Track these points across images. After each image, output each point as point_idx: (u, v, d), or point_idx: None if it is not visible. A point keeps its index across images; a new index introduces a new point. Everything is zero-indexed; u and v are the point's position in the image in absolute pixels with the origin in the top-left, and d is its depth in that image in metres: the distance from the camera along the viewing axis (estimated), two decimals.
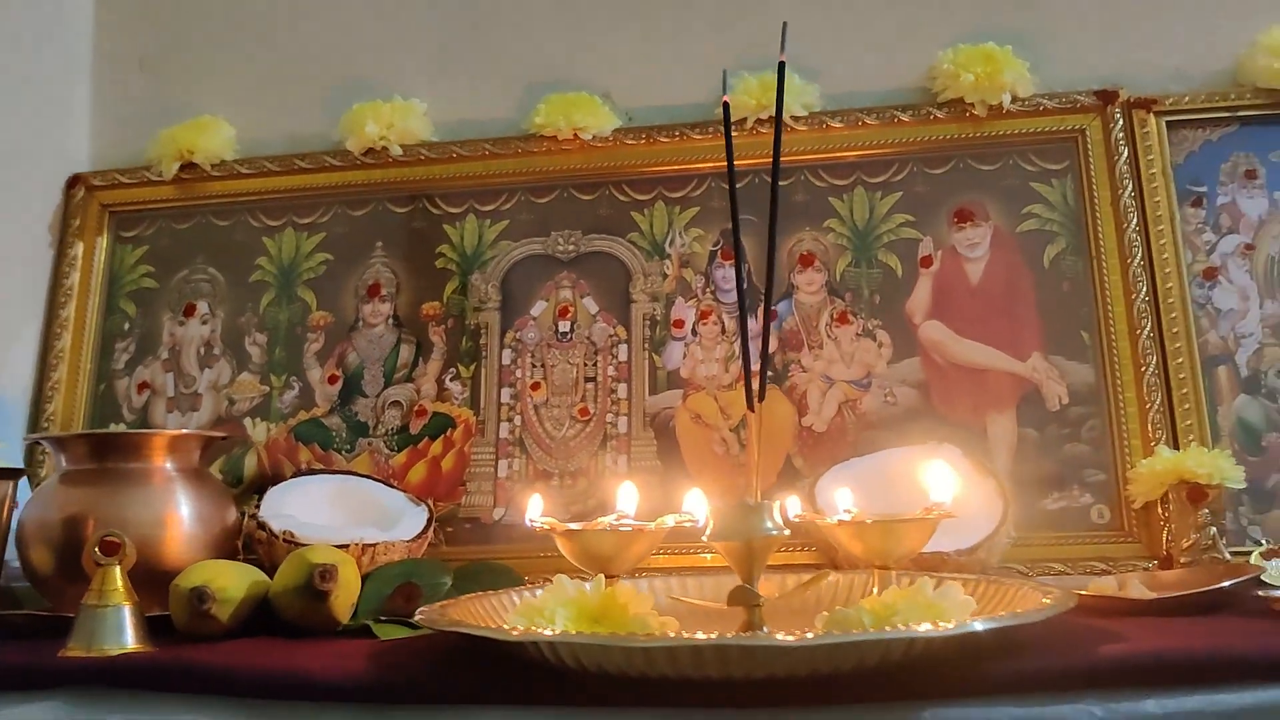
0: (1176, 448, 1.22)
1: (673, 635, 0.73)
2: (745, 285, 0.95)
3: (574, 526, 0.89)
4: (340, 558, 1.04)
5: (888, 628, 0.73)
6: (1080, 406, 1.27)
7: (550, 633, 0.75)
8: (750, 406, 0.85)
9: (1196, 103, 1.34)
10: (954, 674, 0.72)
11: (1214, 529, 1.15)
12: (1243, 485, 1.17)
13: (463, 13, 1.54)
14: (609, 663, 0.71)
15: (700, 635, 0.67)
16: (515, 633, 0.72)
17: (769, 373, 1.33)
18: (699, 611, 0.87)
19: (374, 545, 1.18)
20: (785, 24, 0.93)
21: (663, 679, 0.71)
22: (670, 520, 0.89)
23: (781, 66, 0.93)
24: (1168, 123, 1.34)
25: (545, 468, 1.34)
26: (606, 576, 0.87)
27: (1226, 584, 0.98)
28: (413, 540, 1.22)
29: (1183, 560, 1.15)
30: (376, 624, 1.02)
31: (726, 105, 0.97)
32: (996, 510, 1.14)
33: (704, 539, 0.82)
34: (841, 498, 0.94)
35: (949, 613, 0.76)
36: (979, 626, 0.69)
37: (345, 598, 1.04)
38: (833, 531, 0.87)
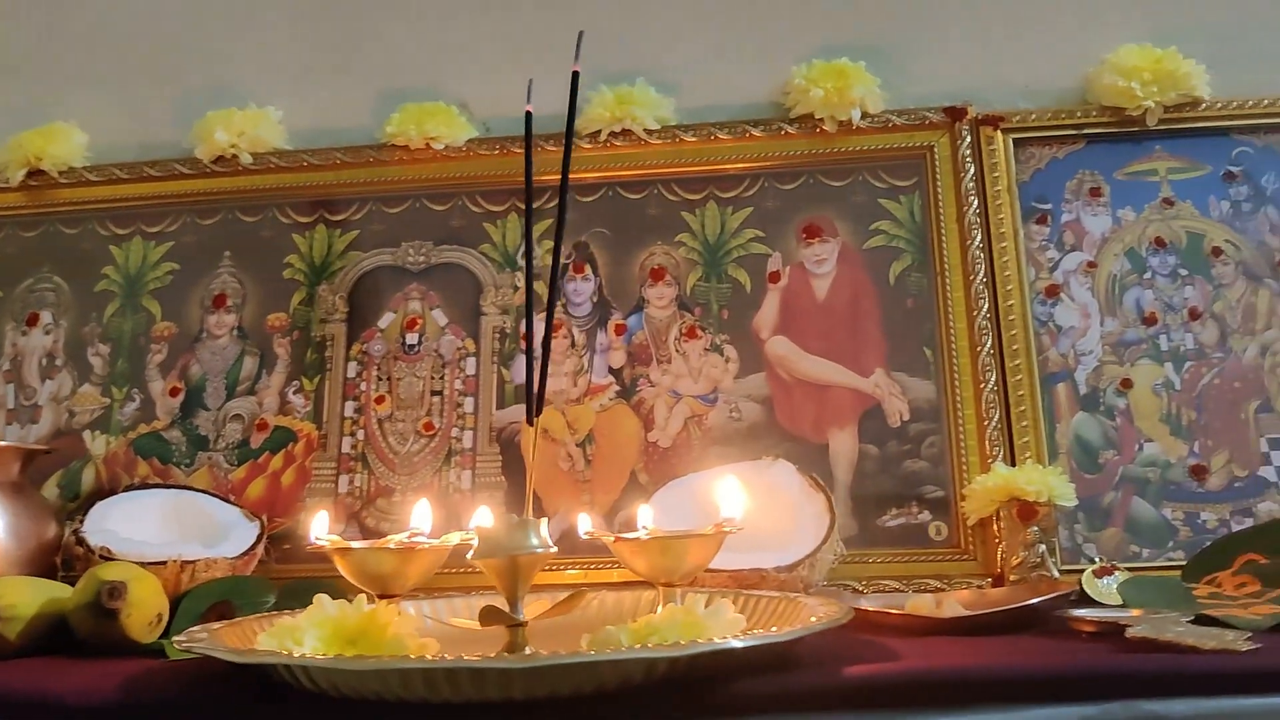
0: (1014, 465, 1.21)
1: (403, 657, 0.71)
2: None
3: (355, 545, 0.86)
4: (134, 574, 1.01)
5: (638, 646, 0.71)
6: (921, 423, 1.26)
7: (299, 654, 0.72)
8: (529, 420, 0.82)
9: (1044, 120, 1.35)
10: (713, 692, 0.71)
11: (1043, 546, 1.15)
12: (1074, 503, 1.17)
13: (323, 21, 1.52)
14: (345, 685, 0.69)
15: (425, 658, 0.64)
16: (249, 654, 0.69)
17: (617, 387, 1.32)
18: (472, 634, 0.84)
19: (194, 562, 1.14)
20: (581, 33, 0.91)
21: (424, 703, 0.69)
22: (455, 538, 0.86)
23: (575, 77, 0.92)
24: (1015, 140, 1.34)
25: (387, 483, 1.31)
26: (388, 596, 0.84)
27: (1032, 602, 0.97)
28: (238, 557, 1.19)
29: (1012, 578, 1.15)
30: (169, 643, 0.98)
31: (529, 115, 0.95)
32: (825, 527, 1.12)
33: (468, 557, 0.80)
34: (642, 514, 0.92)
35: (712, 631, 0.74)
36: (696, 650, 0.67)
37: (140, 616, 1.00)
38: (616, 548, 0.85)
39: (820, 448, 1.27)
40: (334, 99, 1.50)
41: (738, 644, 0.70)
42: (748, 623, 0.86)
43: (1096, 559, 1.20)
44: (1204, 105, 1.33)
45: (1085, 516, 1.22)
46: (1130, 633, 0.80)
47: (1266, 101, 1.33)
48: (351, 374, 1.36)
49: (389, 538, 0.89)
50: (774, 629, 0.75)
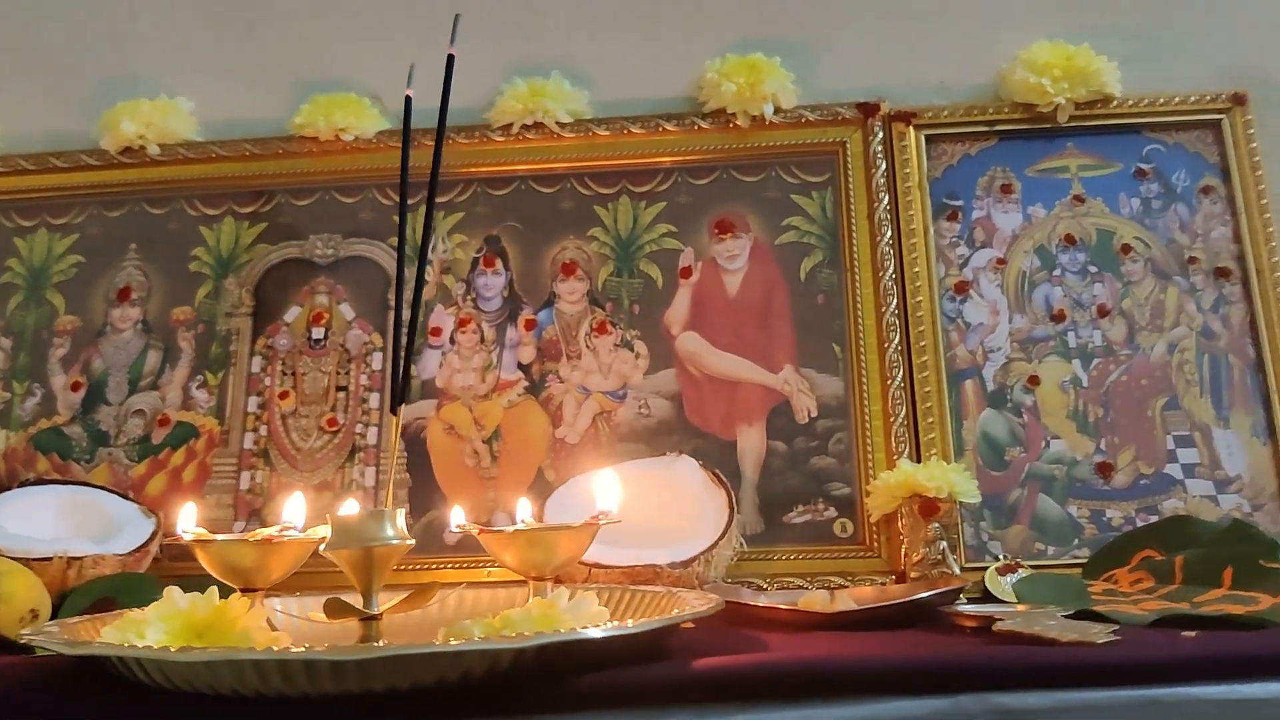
0: (920, 462, 1.20)
1: (232, 648, 0.69)
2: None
3: (221, 538, 0.84)
4: (6, 569, 0.98)
5: (489, 638, 0.69)
6: (828, 419, 1.25)
7: (141, 646, 0.70)
8: (393, 410, 0.80)
9: (956, 116, 1.34)
10: (561, 686, 0.69)
11: (944, 543, 1.13)
12: (976, 499, 1.16)
13: (236, 10, 1.50)
14: (179, 678, 0.67)
15: (255, 649, 0.62)
16: (83, 645, 0.67)
17: (526, 383, 1.30)
18: (328, 629, 0.82)
19: (80, 559, 1.12)
20: (458, 16, 0.90)
21: (262, 697, 0.67)
22: (321, 530, 0.84)
23: (450, 60, 0.90)
24: (928, 136, 1.34)
25: (289, 480, 1.29)
26: (250, 590, 0.82)
27: (917, 597, 0.96)
28: (129, 554, 1.16)
29: (913, 575, 1.14)
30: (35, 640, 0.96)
31: (408, 100, 0.94)
32: (724, 523, 1.11)
33: (321, 550, 0.78)
34: (521, 508, 0.90)
35: (570, 624, 0.73)
36: (541, 641, 0.65)
37: (10, 611, 0.97)
38: (485, 541, 0.84)
39: (729, 444, 1.26)
40: (248, 90, 1.47)
41: (595, 633, 0.69)
42: (621, 617, 0.85)
43: (1001, 556, 1.19)
44: (1115, 102, 1.32)
45: (991, 514, 1.21)
46: (998, 626, 0.79)
47: (1178, 99, 1.32)
48: (256, 369, 1.34)
49: (257, 530, 0.87)
50: (629, 621, 0.74)
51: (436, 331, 1.33)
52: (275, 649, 0.63)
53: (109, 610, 1.06)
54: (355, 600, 0.77)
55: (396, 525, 0.76)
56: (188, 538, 0.82)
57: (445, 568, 1.23)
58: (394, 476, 1.27)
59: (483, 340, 1.33)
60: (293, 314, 1.36)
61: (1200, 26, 1.37)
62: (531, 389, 1.30)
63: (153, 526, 1.22)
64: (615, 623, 0.73)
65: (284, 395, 1.32)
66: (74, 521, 1.23)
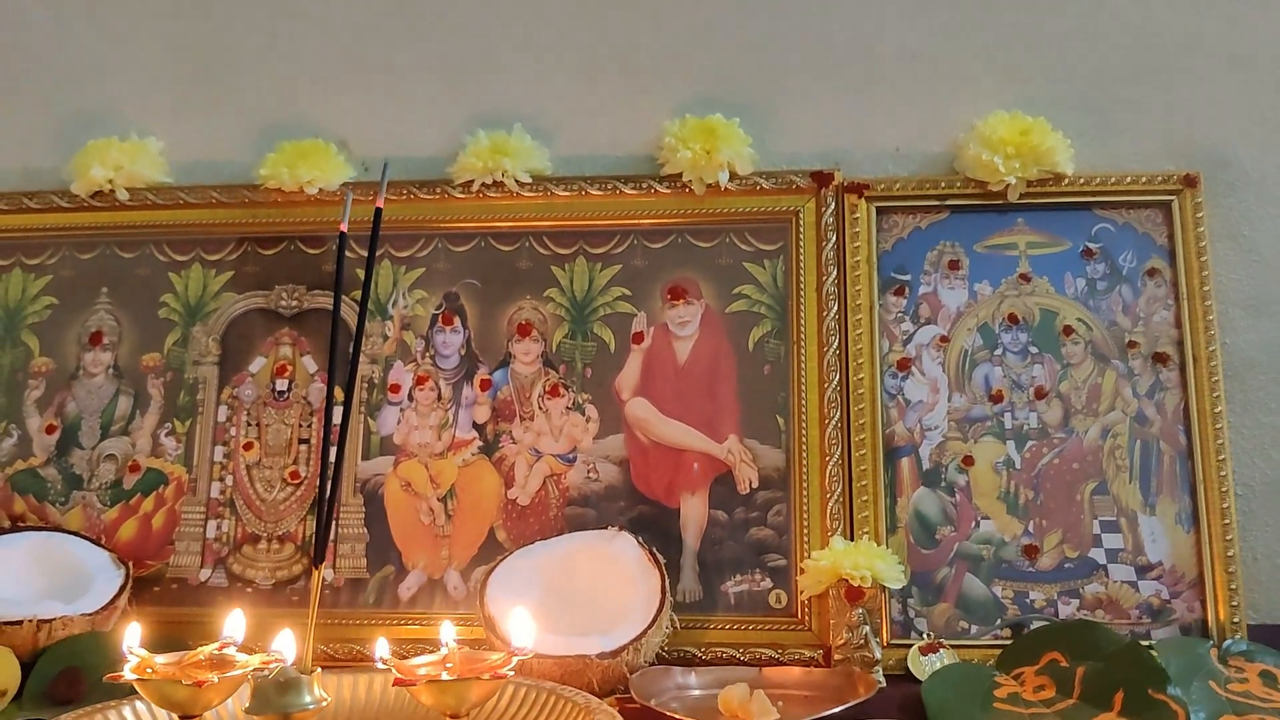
0: (852, 538, 1.25)
1: None
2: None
3: (161, 661, 0.90)
4: None
5: None
6: (769, 491, 1.30)
7: None
8: (315, 564, 0.85)
9: (908, 190, 1.35)
10: None
11: (867, 628, 1.19)
12: (901, 585, 1.20)
13: (203, 50, 1.51)
14: None
15: None
16: None
17: (480, 442, 1.35)
18: None
19: (50, 621, 1.19)
20: (386, 164, 0.92)
21: None
22: (255, 661, 0.90)
23: (378, 213, 0.92)
24: (879, 208, 1.35)
25: (254, 530, 1.35)
26: (188, 718, 0.88)
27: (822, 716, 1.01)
28: (97, 612, 1.23)
29: (837, 658, 1.19)
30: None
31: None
32: (655, 608, 1.17)
33: (245, 711, 0.84)
34: (444, 631, 0.95)
35: None
36: None
37: None
38: (402, 684, 0.89)
39: (673, 512, 1.31)
40: (215, 131, 1.50)
41: None
42: None
43: (926, 634, 1.24)
44: (1067, 180, 1.33)
45: (919, 591, 1.26)
46: None
47: (1129, 179, 1.33)
48: (222, 418, 1.39)
49: (200, 649, 0.93)
50: None
51: (395, 388, 1.37)
52: None
53: (76, 679, 1.14)
54: None
55: (314, 692, 0.82)
56: (128, 674, 0.88)
57: (399, 624, 1.29)
58: (353, 530, 1.33)
59: (440, 398, 1.37)
60: (257, 364, 1.40)
61: (1159, 103, 1.37)
62: (485, 449, 1.35)
63: (121, 578, 1.29)
64: None
65: (248, 446, 1.37)
66: (46, 571, 1.30)
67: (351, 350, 1.04)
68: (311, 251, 1.43)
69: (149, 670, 0.89)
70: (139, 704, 0.98)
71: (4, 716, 1.07)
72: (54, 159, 1.50)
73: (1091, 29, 1.39)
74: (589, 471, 1.33)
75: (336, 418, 1.34)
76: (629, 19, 1.44)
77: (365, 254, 1.35)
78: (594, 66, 1.45)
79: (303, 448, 1.37)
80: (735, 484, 1.31)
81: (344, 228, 0.96)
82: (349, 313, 1.40)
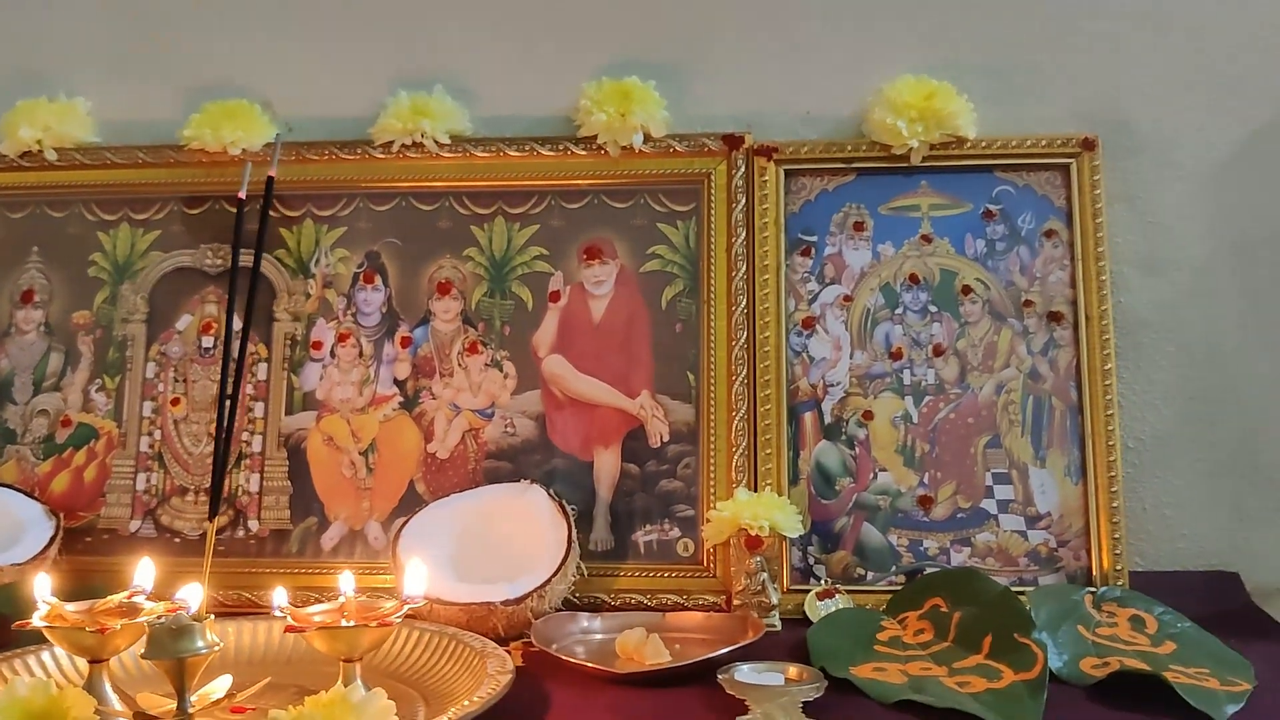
0: (756, 489, 1.31)
1: None
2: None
3: (70, 609, 0.94)
4: None
5: None
6: (679, 444, 1.35)
7: None
8: (210, 516, 0.90)
9: (816, 153, 1.39)
10: None
11: (765, 575, 1.24)
12: (798, 533, 1.26)
13: (132, 10, 1.52)
14: None
15: None
16: None
17: (401, 398, 1.39)
18: None
19: None
20: (278, 135, 0.94)
21: None
22: (160, 607, 0.95)
23: (269, 182, 0.95)
24: (787, 171, 1.38)
25: (182, 483, 1.39)
26: (97, 661, 0.93)
27: (704, 657, 1.06)
28: (27, 562, 1.27)
29: (736, 603, 1.25)
30: None
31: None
32: (561, 557, 1.22)
33: (140, 655, 0.89)
34: (343, 581, 1.00)
35: None
36: None
37: None
38: (297, 629, 0.94)
39: (586, 465, 1.36)
40: (144, 91, 1.51)
41: None
42: (438, 664, 0.97)
43: (824, 580, 1.30)
44: (969, 144, 1.37)
45: (818, 539, 1.32)
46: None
47: (1029, 141, 1.37)
48: (150, 374, 1.42)
49: (110, 598, 0.98)
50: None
51: (318, 345, 1.41)
52: None
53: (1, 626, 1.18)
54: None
55: (207, 637, 0.87)
56: (37, 621, 0.92)
57: (320, 573, 1.34)
58: (277, 483, 1.38)
59: (361, 355, 1.41)
60: (184, 322, 1.43)
61: (1062, 68, 1.40)
62: (406, 404, 1.39)
63: (53, 530, 1.33)
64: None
65: (175, 401, 1.41)
66: None
67: (245, 311, 1.06)
68: (234, 210, 1.45)
69: (59, 617, 0.94)
70: (57, 650, 1.03)
71: None
72: None
73: None
74: (506, 426, 1.38)
75: (262, 375, 1.39)
76: None
77: (286, 214, 1.40)
78: (516, 27, 1.47)
79: (228, 403, 1.40)
80: (647, 438, 1.35)
81: (242, 195, 0.99)
82: (273, 271, 1.43)
